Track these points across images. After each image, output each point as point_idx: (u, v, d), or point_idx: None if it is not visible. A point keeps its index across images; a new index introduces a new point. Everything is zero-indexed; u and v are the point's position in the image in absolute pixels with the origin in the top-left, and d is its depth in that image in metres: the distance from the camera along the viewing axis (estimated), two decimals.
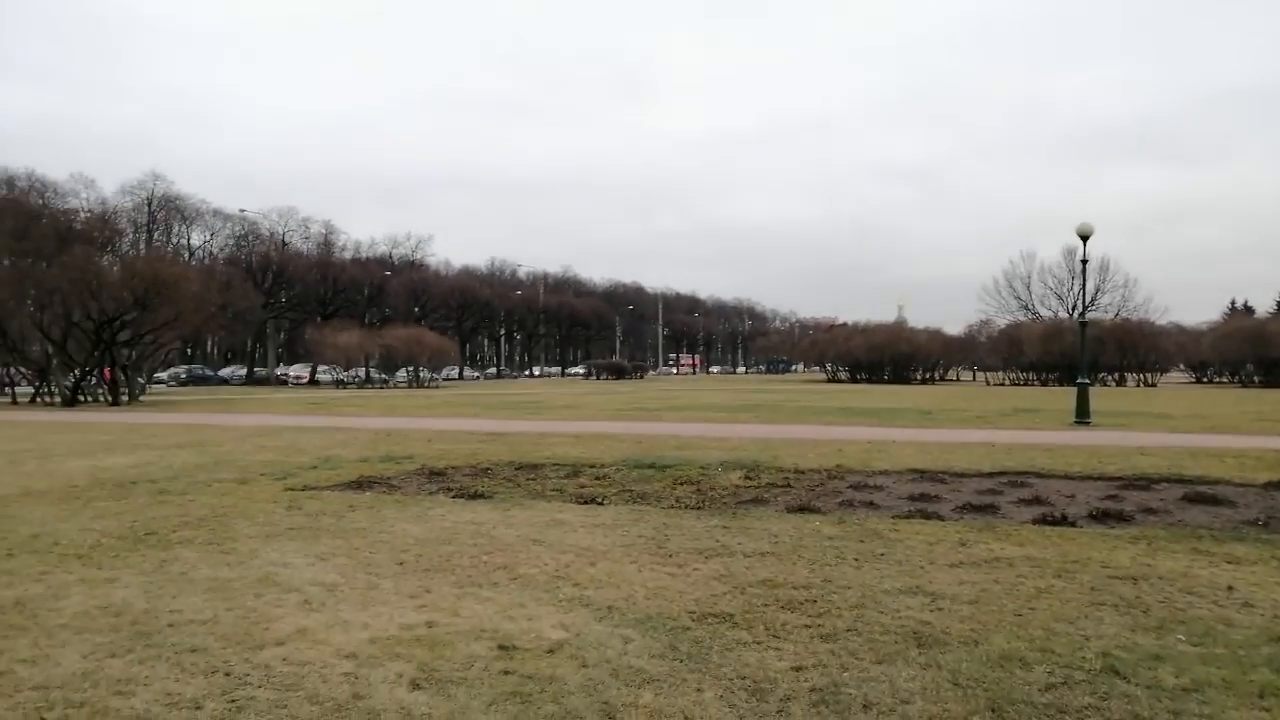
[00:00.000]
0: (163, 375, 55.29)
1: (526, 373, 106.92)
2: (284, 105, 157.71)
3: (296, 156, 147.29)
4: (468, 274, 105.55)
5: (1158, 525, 7.82)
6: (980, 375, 75.59)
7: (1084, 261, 24.07)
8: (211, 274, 54.06)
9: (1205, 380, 62.83)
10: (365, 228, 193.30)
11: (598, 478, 10.96)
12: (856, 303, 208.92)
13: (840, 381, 71.05)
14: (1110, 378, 60.30)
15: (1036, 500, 9.03)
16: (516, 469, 11.84)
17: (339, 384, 59.67)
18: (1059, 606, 5.21)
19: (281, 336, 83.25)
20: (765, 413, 26.06)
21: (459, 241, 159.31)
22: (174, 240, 79.87)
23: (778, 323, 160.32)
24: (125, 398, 33.75)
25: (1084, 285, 29.45)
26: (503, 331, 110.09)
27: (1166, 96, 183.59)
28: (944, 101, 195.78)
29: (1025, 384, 61.53)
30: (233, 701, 3.74)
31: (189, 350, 75.50)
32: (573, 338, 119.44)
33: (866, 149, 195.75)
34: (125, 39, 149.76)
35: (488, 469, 11.83)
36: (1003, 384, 62.84)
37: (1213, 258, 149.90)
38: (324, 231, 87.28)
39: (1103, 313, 71.70)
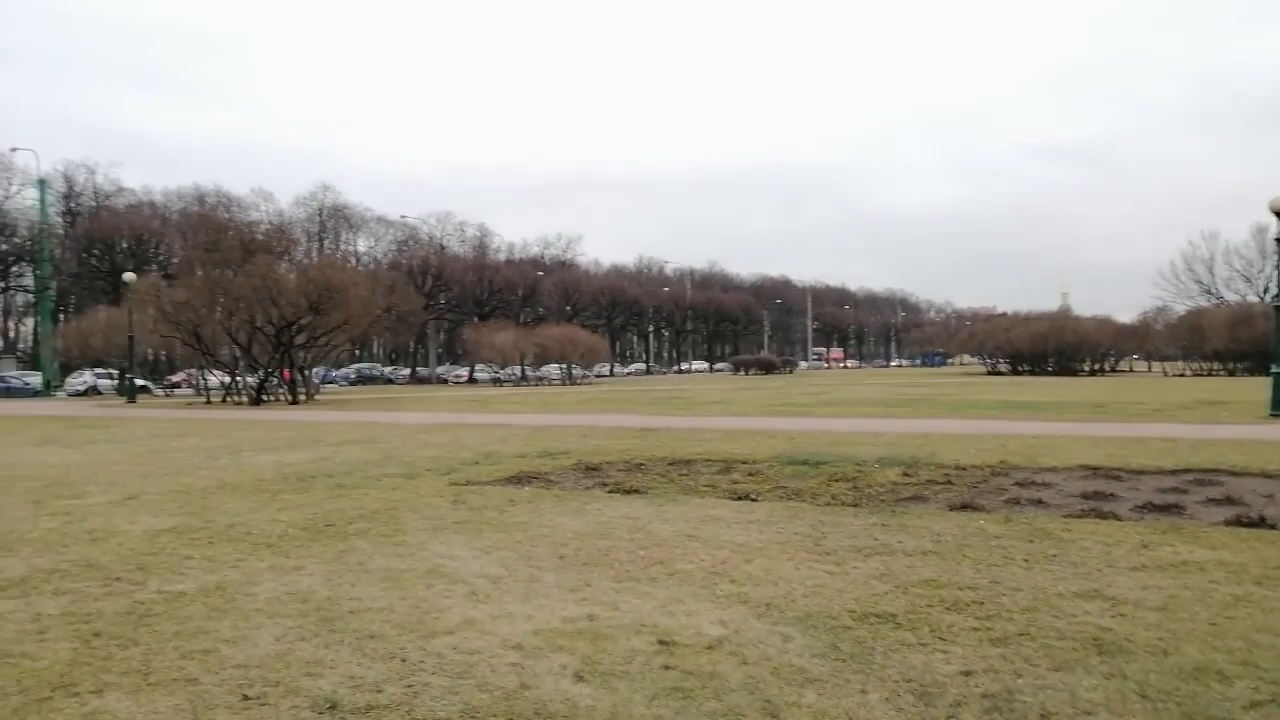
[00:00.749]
0: (334, 376, 58.77)
1: (675, 369, 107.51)
2: (439, 113, 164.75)
3: (452, 161, 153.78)
4: (616, 272, 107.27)
5: None
6: (1156, 365, 70.64)
7: (1278, 240, 22.10)
8: (376, 278, 57.02)
9: None
10: (518, 229, 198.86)
11: (751, 474, 10.89)
12: (1015, 291, 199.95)
13: (1000, 374, 68.03)
14: None
15: (1228, 500, 8.35)
16: (669, 464, 11.92)
17: (496, 382, 61.84)
18: (1260, 616, 4.80)
19: (441, 337, 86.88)
20: (922, 407, 25.25)
21: (607, 240, 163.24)
22: (342, 247, 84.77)
23: (932, 314, 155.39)
24: (303, 397, 36.08)
25: (1278, 265, 27.02)
26: (651, 328, 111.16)
27: None
28: (1115, 76, 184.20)
29: (1209, 374, 57.13)
30: (409, 686, 3.92)
31: (357, 352, 79.88)
32: (720, 333, 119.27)
33: (1027, 131, 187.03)
34: (295, 62, 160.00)
35: (641, 464, 11.97)
36: (1183, 374, 58.61)
37: None
38: (479, 234, 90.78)
39: None
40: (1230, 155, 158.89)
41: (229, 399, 36.07)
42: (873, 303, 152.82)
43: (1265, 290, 68.36)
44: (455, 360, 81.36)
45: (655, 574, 5.92)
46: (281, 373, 36.90)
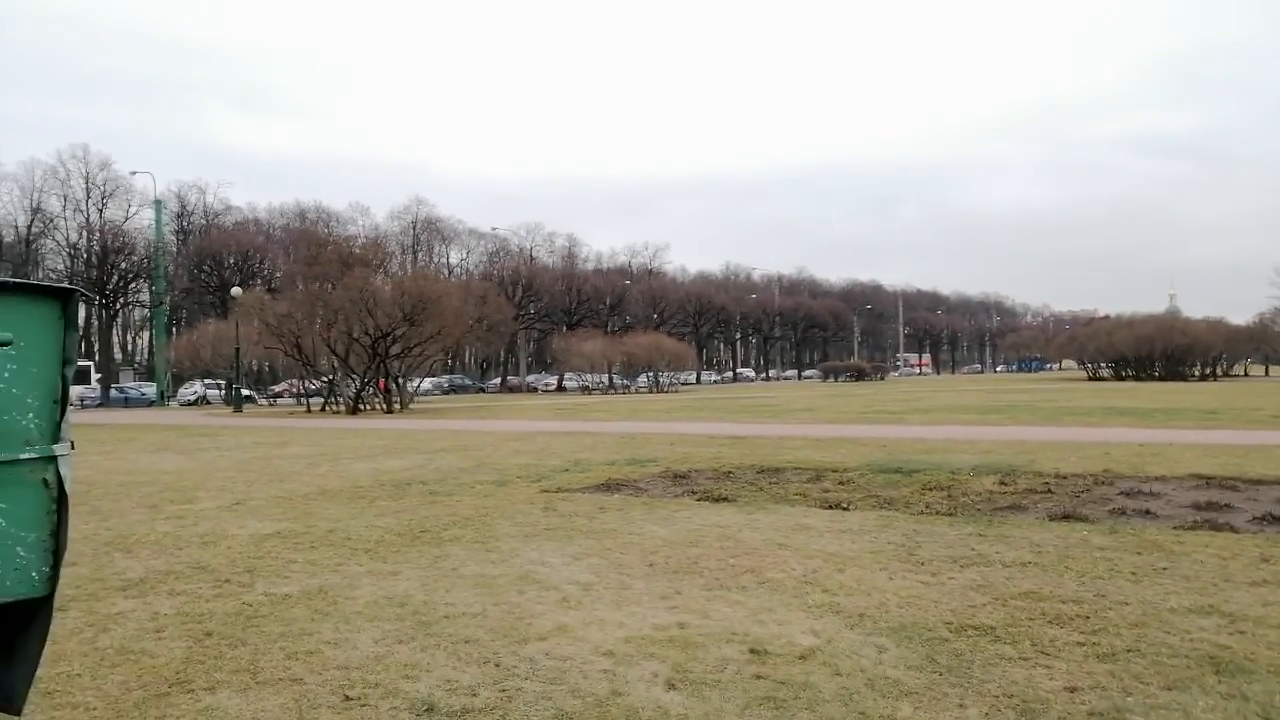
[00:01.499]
0: (428, 385, 60.19)
1: (763, 376, 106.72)
2: (528, 126, 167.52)
3: (541, 173, 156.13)
4: (703, 279, 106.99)
5: None
6: (1275, 370, 66.92)
7: None
8: (468, 289, 58.21)
9: None
10: (606, 238, 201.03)
11: (841, 482, 10.73)
12: (1116, 294, 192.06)
13: (1102, 379, 65.44)
14: None
15: None
16: (758, 473, 11.83)
17: (584, 390, 62.34)
18: None
19: (531, 346, 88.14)
20: (1019, 413, 24.48)
21: (694, 247, 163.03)
22: (435, 259, 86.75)
23: (1029, 318, 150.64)
24: (398, 405, 37.04)
25: None
26: (738, 335, 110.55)
27: None
28: (1224, 64, 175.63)
29: None
30: (504, 691, 3.99)
31: (450, 361, 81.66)
32: (809, 339, 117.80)
33: (1130, 126, 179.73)
34: (390, 81, 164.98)
35: (730, 472, 11.91)
36: None
37: None
38: (567, 245, 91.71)
39: None
40: None
41: (327, 408, 37.27)
42: (966, 306, 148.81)
43: None
44: (545, 369, 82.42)
45: (746, 582, 5.88)
46: (377, 382, 37.97)
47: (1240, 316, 72.93)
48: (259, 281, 62.52)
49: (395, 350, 36.76)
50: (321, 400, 38.51)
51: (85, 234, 62.51)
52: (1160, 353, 63.75)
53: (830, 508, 8.86)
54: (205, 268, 66.68)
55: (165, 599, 5.75)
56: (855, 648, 4.47)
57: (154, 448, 18.86)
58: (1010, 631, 4.69)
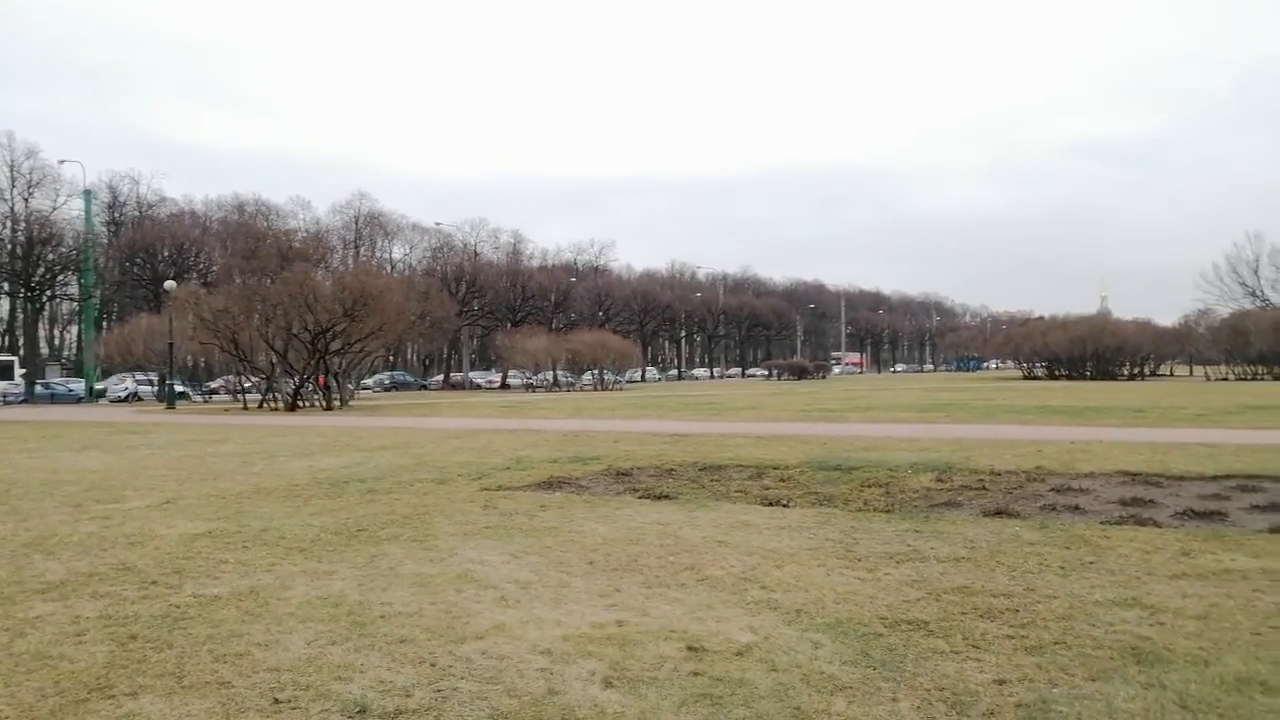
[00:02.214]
0: (369, 381, 59.33)
1: (708, 374, 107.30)
2: (474, 122, 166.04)
3: (486, 169, 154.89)
4: (649, 277, 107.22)
5: None
6: (1198, 369, 69.28)
7: None
8: (411, 285, 57.39)
9: None
10: (552, 235, 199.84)
11: (782, 479, 10.83)
12: (1052, 295, 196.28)
13: (1037, 378, 67.10)
14: None
15: (1274, 507, 8.18)
16: (700, 470, 11.88)
17: (528, 387, 62.01)
18: None
19: (475, 343, 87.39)
20: (956, 412, 24.97)
21: (641, 245, 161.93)
22: (377, 254, 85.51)
23: (967, 318, 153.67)
24: (338, 403, 36.44)
25: None
26: (683, 333, 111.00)
27: None
28: (1168, 74, 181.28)
29: (1253, 378, 55.94)
30: (439, 691, 3.94)
31: (391, 358, 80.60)
32: (753, 338, 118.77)
33: (1068, 132, 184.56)
34: (334, 73, 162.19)
35: (672, 470, 11.94)
36: (1225, 379, 57.41)
37: None
38: (513, 241, 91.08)
39: None
40: (1271, 156, 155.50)
41: (265, 405, 36.52)
42: (907, 306, 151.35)
43: None
44: (488, 366, 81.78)
45: (685, 580, 5.90)
46: (316, 379, 37.31)
47: (1167, 319, 75.25)
48: (194, 275, 60.90)
49: (335, 346, 36.13)
50: (259, 397, 37.74)
51: (10, 224, 60.25)
52: (1092, 353, 65.54)
53: (770, 505, 8.93)
54: (138, 260, 64.74)
55: (87, 602, 5.57)
56: (792, 644, 4.51)
57: (80, 445, 18.28)
58: (943, 626, 4.77)
